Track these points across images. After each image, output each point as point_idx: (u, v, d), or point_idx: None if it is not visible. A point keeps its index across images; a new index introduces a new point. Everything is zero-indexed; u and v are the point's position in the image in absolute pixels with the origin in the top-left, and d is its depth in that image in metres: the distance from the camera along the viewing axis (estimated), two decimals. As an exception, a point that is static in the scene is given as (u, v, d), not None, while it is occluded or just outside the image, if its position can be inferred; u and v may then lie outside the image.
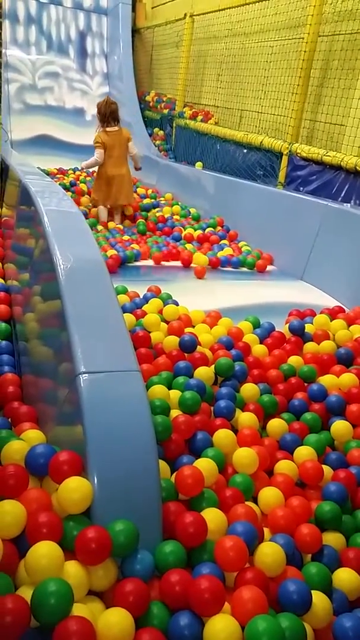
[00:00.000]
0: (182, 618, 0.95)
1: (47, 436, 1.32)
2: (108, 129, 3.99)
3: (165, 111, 6.36)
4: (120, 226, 4.04)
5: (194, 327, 2.15)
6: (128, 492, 1.06)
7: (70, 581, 0.93)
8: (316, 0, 3.66)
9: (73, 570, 0.96)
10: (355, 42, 3.53)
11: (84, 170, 4.09)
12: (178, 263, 3.27)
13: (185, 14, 5.75)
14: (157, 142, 6.33)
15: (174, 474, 1.26)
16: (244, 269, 3.29)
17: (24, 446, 1.19)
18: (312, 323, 2.26)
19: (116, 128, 4.01)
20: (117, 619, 0.91)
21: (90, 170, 4.69)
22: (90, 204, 4.29)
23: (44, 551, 0.94)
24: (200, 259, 3.23)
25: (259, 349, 2.01)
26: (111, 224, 4.07)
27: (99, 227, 3.98)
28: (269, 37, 4.53)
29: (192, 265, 3.22)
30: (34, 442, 1.22)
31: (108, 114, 3.96)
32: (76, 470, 1.06)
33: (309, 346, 2.08)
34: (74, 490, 1.02)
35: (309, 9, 3.75)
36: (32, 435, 1.30)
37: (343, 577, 1.17)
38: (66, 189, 4.58)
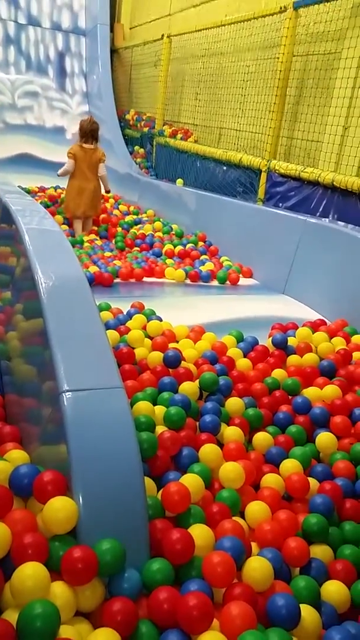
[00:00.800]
0: (170, 636, 0.94)
1: (31, 456, 1.31)
2: (85, 145, 4.25)
3: (145, 129, 6.43)
4: (88, 237, 4.24)
5: (177, 342, 2.15)
6: (114, 511, 1.05)
7: (57, 602, 0.92)
8: (290, 22, 3.76)
9: (59, 591, 0.95)
10: (329, 62, 3.63)
11: (60, 176, 4.41)
12: (161, 279, 3.29)
13: (162, 35, 5.85)
14: (138, 160, 6.38)
15: (160, 491, 1.26)
16: (227, 284, 3.32)
17: (8, 467, 1.18)
18: (294, 336, 2.28)
19: (92, 146, 4.27)
20: (105, 639, 0.90)
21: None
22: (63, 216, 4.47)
23: (30, 572, 0.93)
24: (175, 274, 3.26)
25: (243, 363, 2.02)
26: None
27: (85, 244, 4.00)
28: (246, 57, 4.63)
29: (165, 279, 3.29)
30: (17, 463, 1.21)
31: (88, 132, 4.23)
32: (61, 490, 1.05)
33: (292, 359, 2.09)
34: (59, 510, 1.01)
35: (283, 30, 3.84)
36: (16, 456, 1.28)
37: (331, 589, 1.17)
38: (47, 207, 4.59)
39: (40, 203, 3.96)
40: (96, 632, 0.91)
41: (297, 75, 3.95)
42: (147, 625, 0.97)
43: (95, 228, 4.43)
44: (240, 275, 3.43)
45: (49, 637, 0.86)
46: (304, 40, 3.86)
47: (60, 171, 4.34)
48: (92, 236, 4.31)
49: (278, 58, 3.93)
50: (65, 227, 4.32)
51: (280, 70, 3.88)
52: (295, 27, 3.78)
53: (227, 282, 3.31)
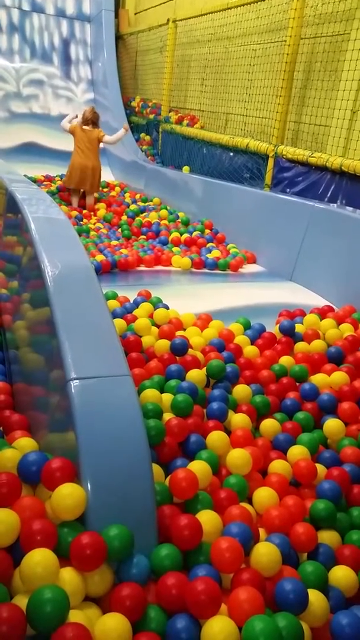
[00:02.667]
0: (179, 621, 0.95)
1: (40, 444, 1.32)
2: (85, 127, 4.78)
3: (151, 116, 6.38)
4: (90, 211, 4.68)
5: (184, 330, 2.15)
6: (122, 497, 1.06)
7: (66, 588, 0.93)
8: (297, 4, 3.69)
9: (68, 576, 0.96)
10: (337, 44, 3.57)
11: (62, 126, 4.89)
12: (167, 267, 3.28)
13: (168, 20, 5.78)
14: (144, 147, 6.34)
15: (168, 477, 1.26)
16: (236, 272, 3.30)
17: (16, 454, 1.19)
18: (302, 323, 2.27)
19: (89, 127, 4.78)
20: (114, 624, 0.91)
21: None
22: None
23: (39, 559, 0.93)
24: (182, 261, 3.25)
25: (250, 350, 2.02)
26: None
27: (92, 232, 4.01)
28: (252, 41, 4.56)
29: (172, 267, 3.29)
30: (26, 450, 1.22)
31: (90, 119, 4.78)
32: (69, 476, 1.06)
33: (300, 346, 2.09)
34: (68, 497, 1.01)
35: (290, 12, 3.78)
36: (24, 443, 1.29)
37: (339, 574, 1.18)
38: (53, 194, 4.60)
39: (47, 192, 3.95)
40: (105, 617, 0.92)
41: (305, 59, 3.89)
42: (156, 610, 0.98)
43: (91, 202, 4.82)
44: (245, 262, 3.42)
45: (58, 621, 0.87)
46: (312, 22, 3.79)
47: (62, 123, 4.89)
48: (99, 225, 4.31)
49: (285, 41, 3.87)
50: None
51: (288, 54, 3.82)
52: (303, 9, 3.71)
53: (228, 269, 3.29)
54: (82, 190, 4.80)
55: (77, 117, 4.89)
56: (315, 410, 1.73)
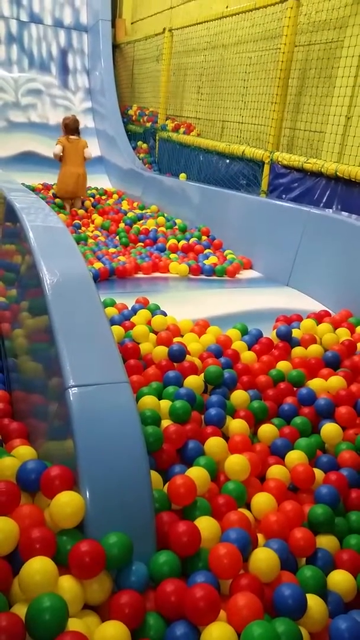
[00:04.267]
0: (178, 628, 0.95)
1: (38, 452, 1.32)
2: (69, 137, 4.96)
3: (148, 124, 6.42)
4: (82, 210, 4.95)
5: (182, 336, 2.16)
6: (120, 505, 1.06)
7: (65, 596, 0.93)
8: (292, 12, 3.73)
9: (67, 585, 0.96)
10: (331, 51, 3.60)
11: (55, 157, 5.03)
12: (165, 274, 3.29)
13: (164, 29, 5.83)
14: (141, 155, 6.37)
15: (167, 484, 1.27)
16: (233, 278, 3.31)
17: (15, 462, 1.19)
18: (299, 328, 2.28)
19: (75, 137, 4.99)
20: (113, 632, 0.91)
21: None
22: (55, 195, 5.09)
23: (38, 567, 0.94)
24: (179, 268, 3.27)
25: (247, 356, 2.03)
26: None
27: (90, 240, 4.03)
28: (247, 49, 4.60)
29: (170, 274, 3.31)
30: (25, 458, 1.22)
31: (73, 128, 4.98)
32: (68, 484, 1.07)
33: (297, 351, 2.09)
34: (66, 505, 1.02)
35: (285, 20, 3.82)
36: (23, 452, 1.30)
37: (338, 579, 1.18)
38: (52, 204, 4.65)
39: (42, 197, 3.98)
40: (104, 624, 0.93)
41: (299, 66, 3.92)
42: (155, 617, 0.98)
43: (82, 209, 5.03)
44: (242, 268, 3.43)
45: (57, 630, 0.87)
46: (306, 30, 3.83)
47: (53, 154, 5.04)
48: (97, 232, 4.33)
49: (280, 49, 3.90)
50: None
51: (282, 61, 3.86)
52: (297, 17, 3.75)
53: (225, 275, 3.31)
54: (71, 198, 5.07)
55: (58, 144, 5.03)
56: (313, 415, 1.74)
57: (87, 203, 5.15)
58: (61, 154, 4.95)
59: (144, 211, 4.96)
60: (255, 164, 4.18)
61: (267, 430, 1.62)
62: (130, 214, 4.71)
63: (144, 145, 6.55)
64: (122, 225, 4.44)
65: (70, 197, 5.01)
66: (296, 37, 3.82)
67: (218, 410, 1.60)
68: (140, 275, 3.25)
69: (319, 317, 2.39)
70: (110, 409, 1.16)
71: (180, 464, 1.42)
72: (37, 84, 6.75)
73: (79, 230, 4.31)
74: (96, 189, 5.81)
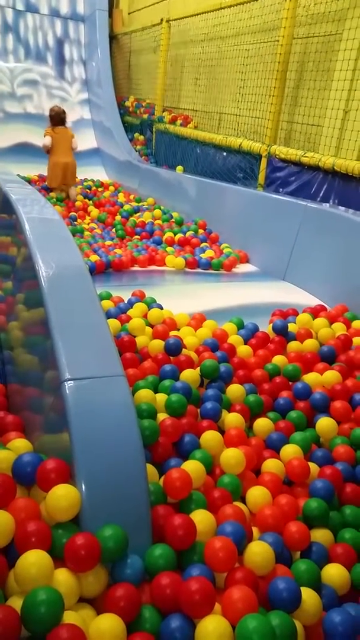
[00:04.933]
0: (173, 621, 0.96)
1: (34, 445, 1.32)
2: (56, 128, 4.98)
3: (145, 116, 6.38)
4: (79, 202, 4.93)
5: (178, 330, 2.15)
6: (116, 498, 1.06)
7: (61, 589, 0.93)
8: (290, 4, 3.70)
9: (63, 577, 0.96)
10: (329, 44, 3.58)
11: (44, 149, 5.03)
12: (161, 267, 3.29)
13: (161, 19, 5.78)
14: (138, 147, 6.34)
15: (162, 477, 1.27)
16: (230, 272, 3.31)
17: (11, 455, 1.19)
18: (295, 322, 2.28)
19: (62, 127, 5.02)
20: (108, 624, 0.91)
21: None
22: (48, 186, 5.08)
23: (33, 560, 0.94)
24: (175, 261, 3.26)
25: (243, 350, 2.03)
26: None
27: (86, 233, 4.01)
28: (245, 41, 4.57)
29: (166, 267, 3.30)
30: (20, 451, 1.22)
31: (57, 119, 4.99)
32: (63, 477, 1.07)
33: (293, 345, 2.10)
34: (62, 498, 1.02)
35: (283, 12, 3.79)
36: (19, 445, 1.30)
37: (332, 572, 1.19)
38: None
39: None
40: (99, 617, 0.93)
41: (297, 58, 3.90)
42: (150, 610, 0.99)
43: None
44: (238, 262, 3.43)
45: (53, 623, 0.88)
46: (304, 22, 3.81)
47: (43, 146, 5.05)
48: (93, 225, 4.32)
49: (278, 41, 3.88)
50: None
51: (280, 54, 3.83)
52: (296, 9, 3.72)
53: (222, 269, 3.30)
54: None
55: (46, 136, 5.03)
56: (308, 409, 1.74)
57: (78, 189, 5.20)
58: (50, 145, 4.96)
59: (140, 204, 4.94)
60: (252, 157, 4.17)
61: (262, 424, 1.62)
62: (126, 207, 4.69)
63: (141, 137, 6.52)
64: (118, 217, 4.42)
65: (62, 186, 5.04)
66: (294, 29, 3.79)
67: (214, 404, 1.60)
68: (136, 268, 3.24)
69: (315, 312, 2.40)
70: (107, 402, 1.16)
71: (176, 457, 1.43)
72: (33, 74, 6.70)
73: (75, 223, 4.29)
74: (92, 180, 5.78)
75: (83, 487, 1.04)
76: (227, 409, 1.68)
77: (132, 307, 2.29)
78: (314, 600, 1.07)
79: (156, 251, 3.48)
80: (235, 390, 1.74)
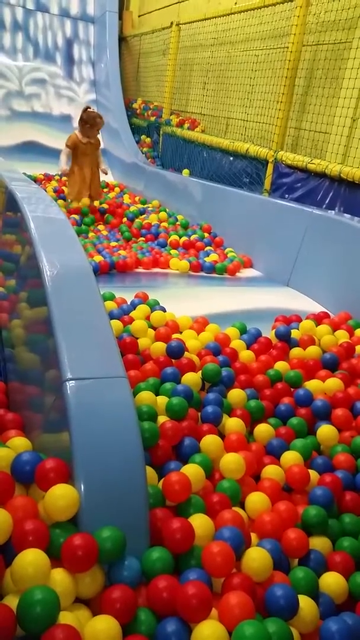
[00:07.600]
0: (169, 624, 0.95)
1: (34, 443, 1.32)
2: (86, 138, 4.33)
3: (152, 118, 6.39)
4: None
5: (181, 333, 2.15)
6: (115, 499, 1.06)
7: (57, 589, 0.92)
8: (300, 11, 3.71)
9: (59, 578, 0.96)
10: (339, 52, 3.59)
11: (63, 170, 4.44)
12: (165, 269, 3.29)
13: (171, 23, 5.79)
14: (144, 149, 6.35)
15: (161, 480, 1.26)
16: (233, 276, 3.31)
17: (10, 453, 1.19)
18: (298, 328, 2.28)
19: (92, 138, 4.37)
20: (104, 626, 0.91)
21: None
22: (69, 200, 4.51)
23: (30, 559, 0.93)
24: (179, 264, 3.26)
25: (245, 355, 2.02)
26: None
27: (91, 234, 3.99)
28: (255, 46, 4.58)
29: (170, 270, 3.30)
30: (20, 450, 1.22)
31: (99, 123, 4.33)
32: (63, 477, 1.06)
33: (295, 351, 2.09)
34: (61, 498, 1.01)
35: (293, 19, 3.80)
36: (18, 443, 1.29)
37: (330, 581, 1.18)
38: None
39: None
40: (95, 619, 0.92)
41: (306, 65, 3.91)
42: (146, 613, 0.98)
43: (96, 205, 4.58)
44: (242, 266, 3.43)
45: (48, 623, 0.87)
46: (314, 30, 3.81)
47: (60, 165, 4.40)
48: (100, 226, 4.30)
49: (287, 47, 3.88)
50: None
51: (290, 60, 3.84)
52: (306, 16, 3.73)
53: (226, 273, 3.30)
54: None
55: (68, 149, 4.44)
56: (309, 416, 1.74)
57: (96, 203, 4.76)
58: (66, 154, 4.40)
59: (145, 206, 4.94)
60: (259, 162, 4.17)
61: (263, 429, 1.62)
62: (132, 208, 4.69)
63: (148, 140, 6.53)
64: (124, 219, 4.41)
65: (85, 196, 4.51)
66: (304, 36, 3.80)
67: (215, 408, 1.60)
68: (140, 270, 3.24)
69: (318, 319, 2.39)
70: (107, 403, 1.16)
71: (176, 460, 1.42)
72: (42, 73, 6.71)
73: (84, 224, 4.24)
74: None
75: (82, 487, 1.04)
76: (227, 414, 1.67)
77: (135, 309, 2.29)
78: (311, 608, 1.06)
79: (160, 253, 3.48)
80: (236, 395, 1.73)
